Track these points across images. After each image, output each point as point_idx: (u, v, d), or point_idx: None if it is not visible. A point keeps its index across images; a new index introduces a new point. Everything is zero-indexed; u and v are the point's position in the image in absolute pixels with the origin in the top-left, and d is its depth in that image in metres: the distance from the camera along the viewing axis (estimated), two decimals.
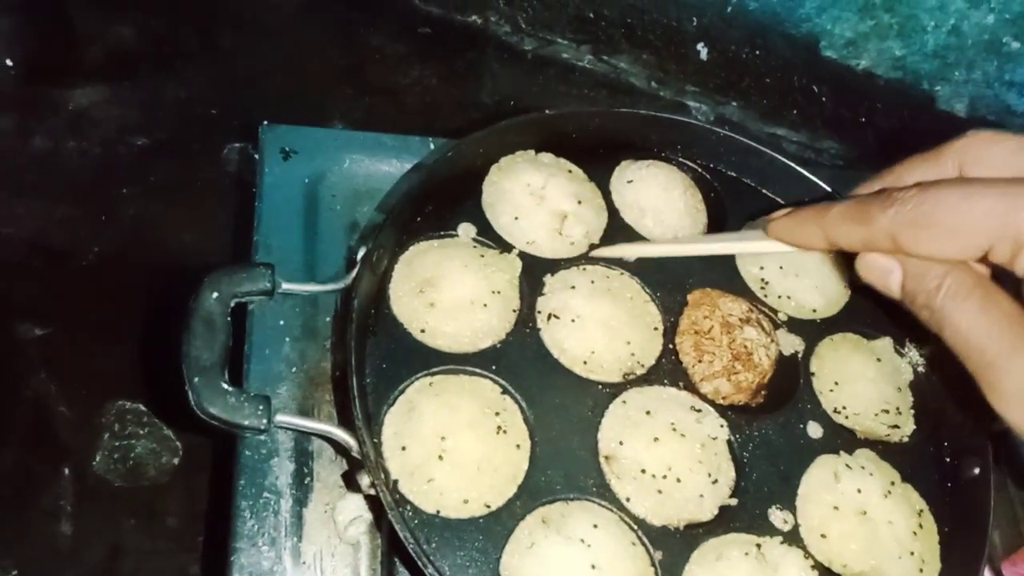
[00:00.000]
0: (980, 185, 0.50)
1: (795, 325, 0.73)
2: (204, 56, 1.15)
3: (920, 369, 0.73)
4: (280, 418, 0.58)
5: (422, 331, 0.64)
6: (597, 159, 0.77)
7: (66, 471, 0.88)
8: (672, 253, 0.72)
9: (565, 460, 0.62)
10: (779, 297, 0.74)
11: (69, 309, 0.97)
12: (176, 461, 0.91)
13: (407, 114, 1.15)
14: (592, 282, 0.69)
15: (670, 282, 0.71)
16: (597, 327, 0.67)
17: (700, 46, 1.20)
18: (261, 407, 0.57)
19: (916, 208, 0.51)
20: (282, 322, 0.73)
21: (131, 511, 0.87)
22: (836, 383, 0.70)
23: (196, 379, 0.56)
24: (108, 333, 0.96)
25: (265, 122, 0.82)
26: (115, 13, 1.15)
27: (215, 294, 0.59)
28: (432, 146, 0.85)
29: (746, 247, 0.68)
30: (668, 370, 0.68)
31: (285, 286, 0.63)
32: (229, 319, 0.60)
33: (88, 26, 1.14)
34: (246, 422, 0.56)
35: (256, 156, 0.85)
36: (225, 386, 0.57)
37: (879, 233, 0.53)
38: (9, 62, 1.08)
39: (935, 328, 0.53)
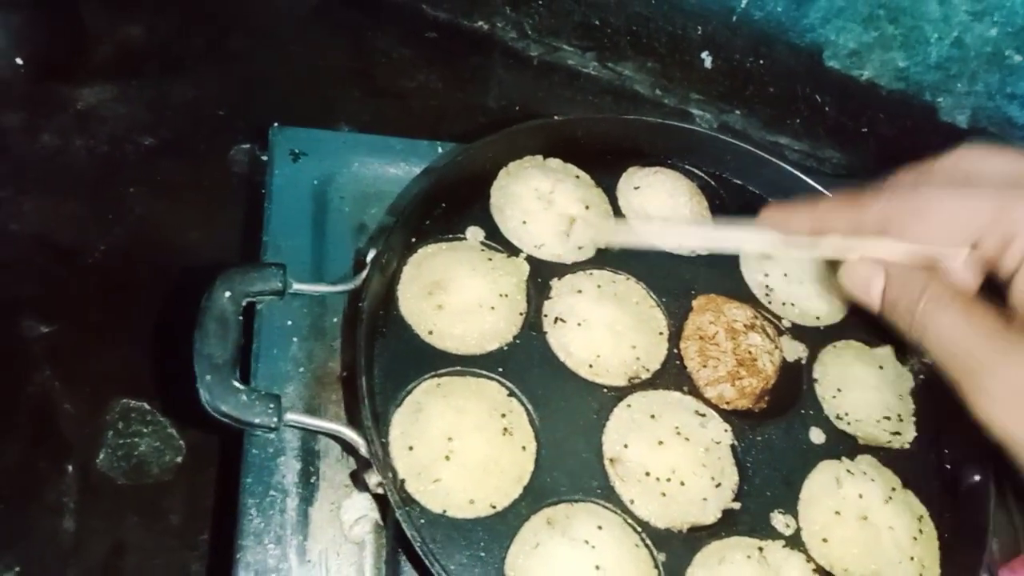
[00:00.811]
0: (973, 187, 0.52)
1: (799, 332, 0.74)
2: (212, 57, 1.16)
3: (922, 377, 0.74)
4: (290, 416, 0.59)
5: (430, 333, 0.65)
6: (604, 165, 0.77)
7: (70, 468, 0.88)
8: (668, 240, 0.71)
9: (570, 462, 0.62)
10: (783, 304, 0.75)
11: (74, 307, 0.97)
12: (180, 459, 0.91)
13: (414, 117, 1.15)
14: (598, 287, 0.70)
15: (676, 288, 0.72)
16: (603, 331, 0.68)
17: (704, 54, 1.21)
18: (272, 405, 0.58)
19: (912, 198, 0.53)
20: (290, 322, 0.73)
21: (135, 509, 0.87)
22: (839, 390, 0.71)
23: (208, 377, 0.57)
24: (113, 331, 0.96)
25: (275, 124, 0.82)
26: (125, 13, 1.15)
27: (228, 293, 0.60)
28: (440, 150, 0.85)
29: (734, 238, 0.68)
30: (673, 375, 0.68)
31: (296, 286, 0.64)
32: (241, 318, 0.60)
33: (98, 25, 1.14)
34: (257, 420, 0.57)
35: (263, 157, 0.85)
36: (237, 384, 0.57)
37: (871, 217, 0.54)
38: (19, 60, 1.09)
39: (916, 333, 0.54)
